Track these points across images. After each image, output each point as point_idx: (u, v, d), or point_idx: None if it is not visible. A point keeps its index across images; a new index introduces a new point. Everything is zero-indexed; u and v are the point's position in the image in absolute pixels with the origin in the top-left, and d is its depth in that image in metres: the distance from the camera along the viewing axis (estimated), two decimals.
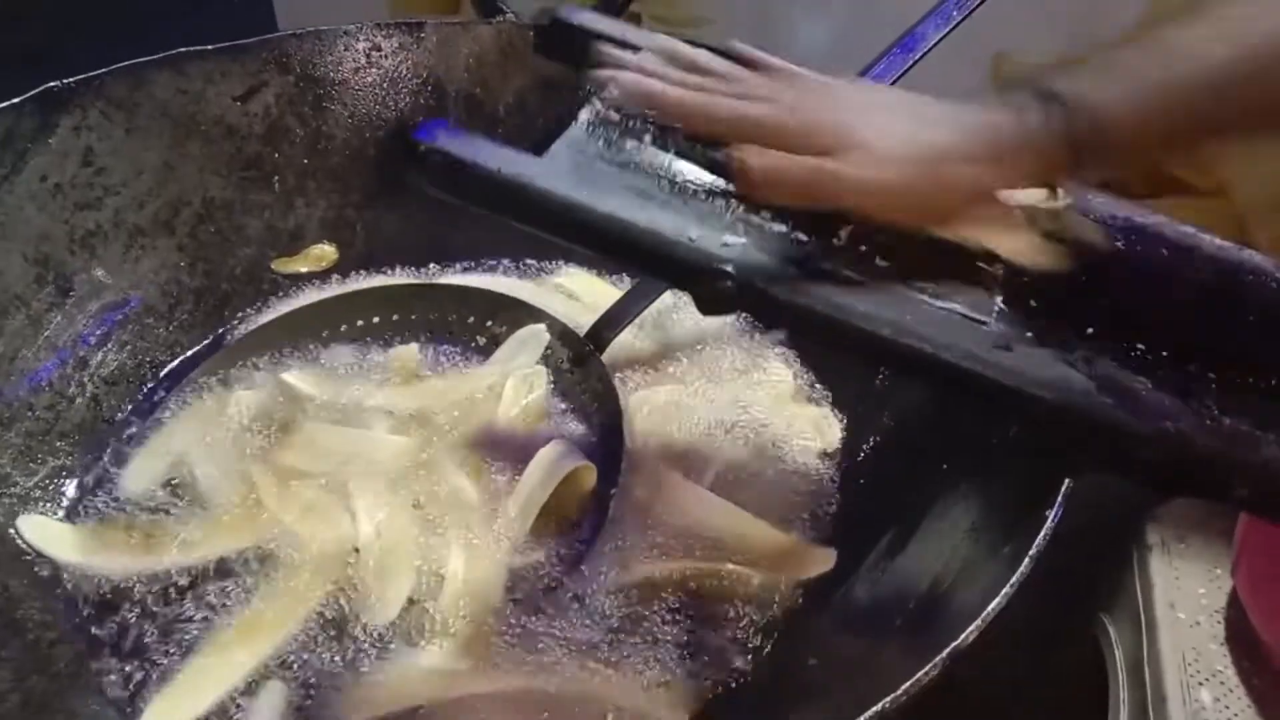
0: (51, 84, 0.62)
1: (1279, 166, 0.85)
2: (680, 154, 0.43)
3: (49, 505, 0.58)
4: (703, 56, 0.46)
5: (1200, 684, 0.62)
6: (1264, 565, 0.61)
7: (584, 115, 0.44)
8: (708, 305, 0.40)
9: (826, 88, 0.44)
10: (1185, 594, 0.68)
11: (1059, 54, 0.88)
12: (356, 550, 0.54)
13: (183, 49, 0.68)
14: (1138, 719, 0.65)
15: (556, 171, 0.41)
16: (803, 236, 0.41)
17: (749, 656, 0.51)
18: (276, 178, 0.72)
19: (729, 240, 0.40)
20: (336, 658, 0.50)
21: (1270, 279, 0.45)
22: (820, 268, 0.40)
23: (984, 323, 0.39)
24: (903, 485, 0.56)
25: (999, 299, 0.41)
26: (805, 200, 0.41)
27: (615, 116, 0.44)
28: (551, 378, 0.65)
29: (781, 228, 0.42)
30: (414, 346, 0.67)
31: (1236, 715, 0.60)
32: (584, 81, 0.44)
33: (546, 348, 0.66)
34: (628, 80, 0.43)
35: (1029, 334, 0.40)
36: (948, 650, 0.35)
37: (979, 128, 0.41)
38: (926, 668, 0.35)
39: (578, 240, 0.45)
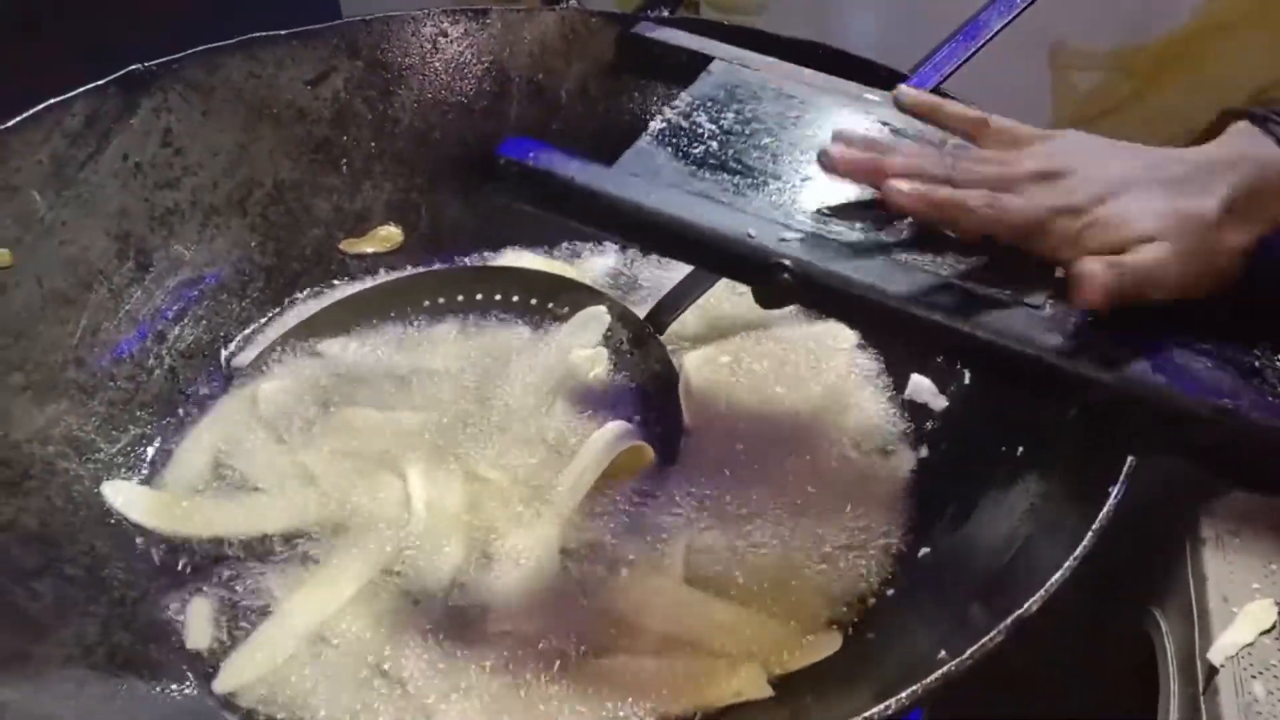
0: (134, 67, 0.65)
1: None
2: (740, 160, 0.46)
3: (130, 471, 0.60)
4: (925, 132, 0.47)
5: (1253, 677, 0.62)
6: None
7: (653, 125, 0.47)
8: (767, 299, 0.42)
9: (1066, 157, 0.43)
10: (1239, 587, 0.68)
11: (1118, 43, 0.88)
12: (409, 524, 0.56)
13: (256, 34, 0.70)
14: (1189, 712, 0.65)
15: (626, 179, 0.44)
16: (858, 230, 0.43)
17: None
18: (344, 160, 0.74)
19: (787, 236, 0.41)
20: (389, 621, 0.52)
21: None
22: (875, 260, 0.41)
23: (1038, 308, 0.40)
24: (963, 465, 0.57)
25: (1056, 280, 0.42)
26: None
27: (683, 125, 0.47)
28: (612, 358, 0.66)
29: (839, 226, 0.43)
30: (436, 329, 0.68)
31: None
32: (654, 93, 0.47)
33: (607, 329, 0.67)
34: (900, 190, 0.42)
35: (1085, 316, 0.40)
36: (1012, 617, 0.36)
37: (1227, 180, 0.41)
38: (992, 633, 0.36)
39: (644, 242, 0.49)
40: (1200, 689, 0.64)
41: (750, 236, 0.41)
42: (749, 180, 0.45)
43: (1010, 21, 0.65)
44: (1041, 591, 0.37)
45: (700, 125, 0.48)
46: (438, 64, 0.75)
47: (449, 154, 0.76)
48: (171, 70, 0.67)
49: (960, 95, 0.64)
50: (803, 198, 0.45)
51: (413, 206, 0.76)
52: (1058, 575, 0.37)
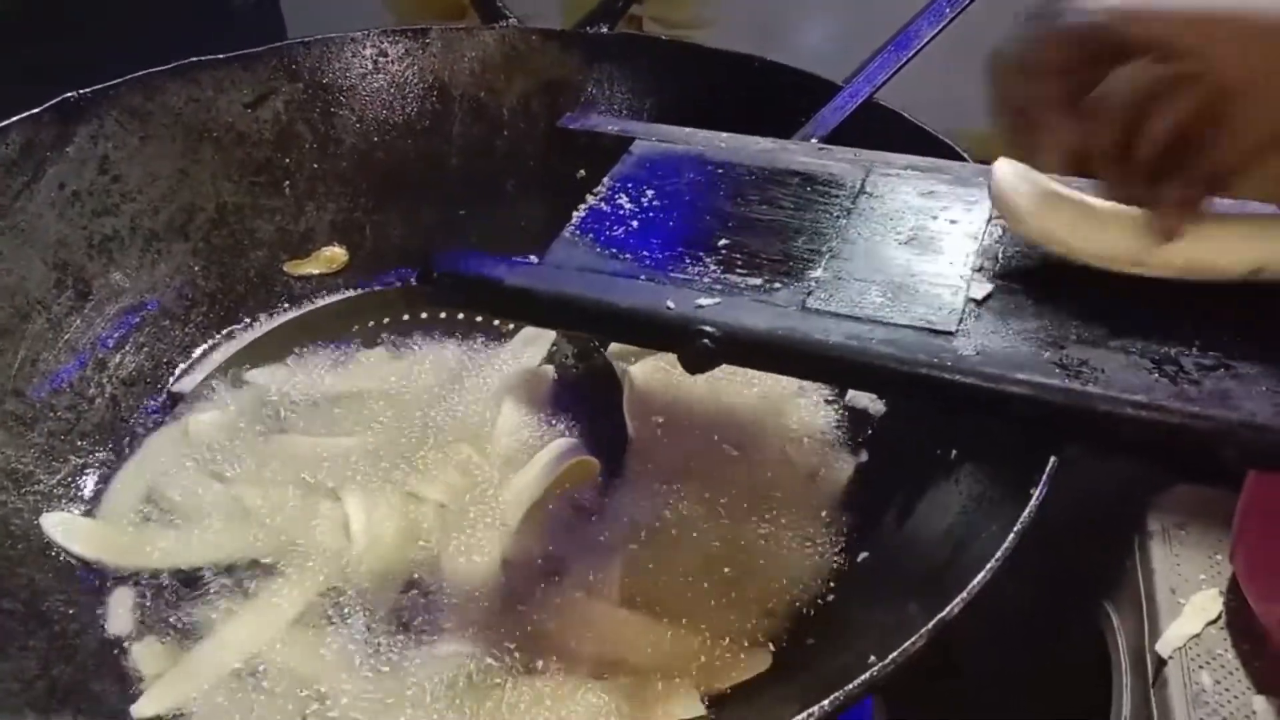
0: (69, 94, 0.64)
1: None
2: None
3: (71, 502, 0.60)
4: None
5: (1200, 667, 0.63)
6: (1261, 550, 0.62)
7: (576, 216, 0.50)
8: (691, 364, 0.43)
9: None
10: (1185, 579, 0.69)
11: None
12: (348, 550, 0.56)
13: (195, 58, 0.70)
14: (1140, 704, 0.66)
15: (550, 272, 0.46)
16: (773, 284, 0.44)
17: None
18: (287, 182, 0.74)
19: (704, 302, 0.43)
20: (329, 649, 0.51)
21: None
22: (791, 311, 0.43)
23: (952, 334, 0.41)
24: (901, 469, 0.57)
25: (969, 301, 0.43)
26: None
27: (605, 209, 0.50)
28: (557, 373, 0.66)
29: (755, 281, 0.44)
30: (379, 350, 0.69)
31: (1236, 697, 0.60)
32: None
33: (552, 344, 0.67)
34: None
35: (997, 333, 0.41)
36: (935, 620, 0.36)
37: None
38: (914, 638, 0.36)
39: (572, 327, 0.54)
40: (1150, 681, 0.65)
41: (669, 308, 0.43)
42: (669, 252, 0.47)
43: (941, 30, 0.66)
44: (964, 594, 0.37)
45: (622, 206, 0.50)
46: (379, 84, 0.75)
47: (392, 173, 0.76)
48: (108, 96, 0.66)
49: (898, 104, 0.66)
50: (718, 261, 0.46)
51: (357, 226, 0.76)
52: (979, 577, 0.38)
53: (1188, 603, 0.66)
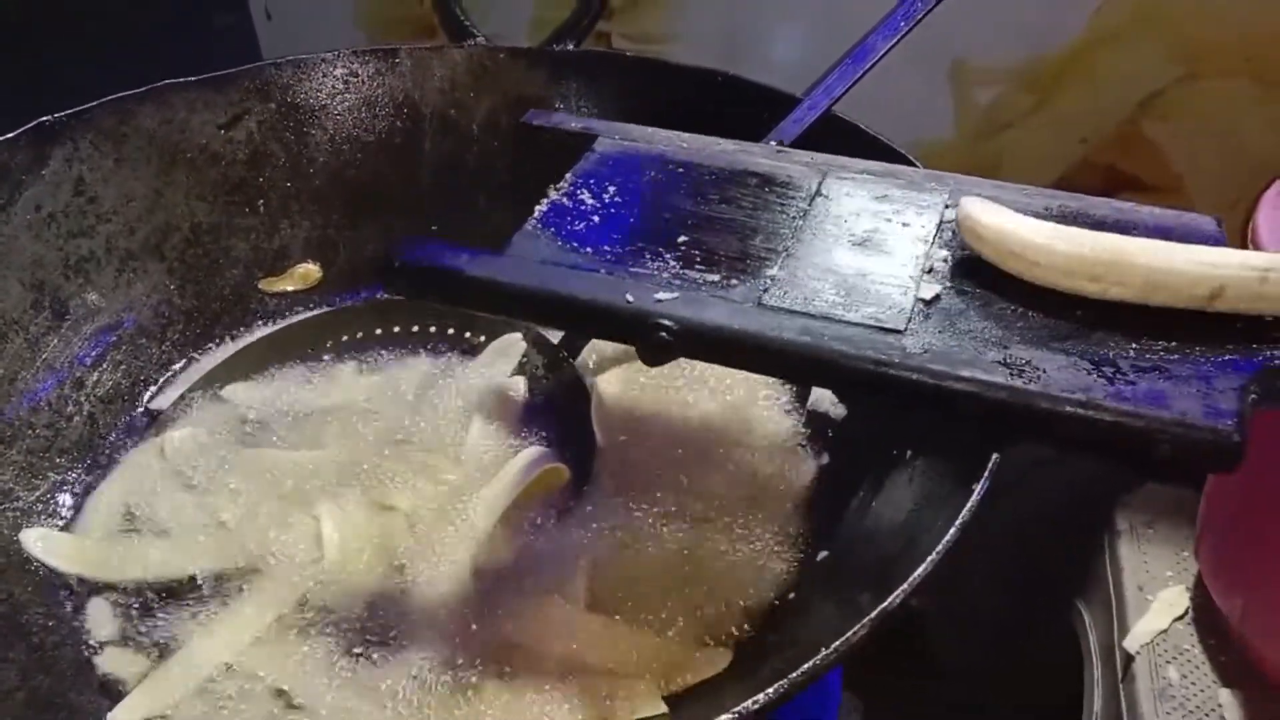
0: (43, 118, 0.66)
1: (1232, 161, 0.88)
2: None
3: (50, 518, 0.60)
4: None
5: (1168, 662, 0.64)
6: (1224, 546, 0.63)
7: (538, 209, 0.50)
8: (650, 356, 0.44)
9: None
10: (1153, 576, 0.70)
11: (1018, 57, 0.92)
12: (321, 560, 0.56)
13: (167, 81, 0.71)
14: (1110, 699, 0.67)
15: (512, 264, 0.46)
16: (730, 281, 0.45)
17: None
18: (261, 201, 0.75)
19: (662, 296, 0.44)
20: (303, 658, 0.52)
21: (1208, 236, 0.47)
22: (748, 307, 0.44)
23: (900, 332, 0.42)
24: (860, 470, 0.58)
25: (918, 301, 0.44)
26: None
27: (567, 204, 0.50)
28: (527, 383, 0.67)
29: (713, 277, 0.45)
30: (352, 364, 0.70)
31: (1203, 691, 0.62)
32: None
33: (522, 355, 0.69)
34: None
35: (944, 332, 0.42)
36: (876, 611, 0.38)
37: None
38: (855, 628, 0.37)
39: (533, 318, 0.56)
40: (1120, 676, 0.66)
41: (629, 301, 0.43)
42: (629, 247, 0.47)
43: (896, 43, 0.67)
44: (905, 586, 0.38)
45: (584, 202, 0.51)
46: (350, 103, 0.77)
47: (365, 190, 0.77)
48: (82, 120, 0.67)
49: (862, 117, 0.67)
50: (678, 257, 0.47)
51: (331, 243, 0.78)
52: (920, 570, 0.39)
53: (1155, 599, 0.68)
